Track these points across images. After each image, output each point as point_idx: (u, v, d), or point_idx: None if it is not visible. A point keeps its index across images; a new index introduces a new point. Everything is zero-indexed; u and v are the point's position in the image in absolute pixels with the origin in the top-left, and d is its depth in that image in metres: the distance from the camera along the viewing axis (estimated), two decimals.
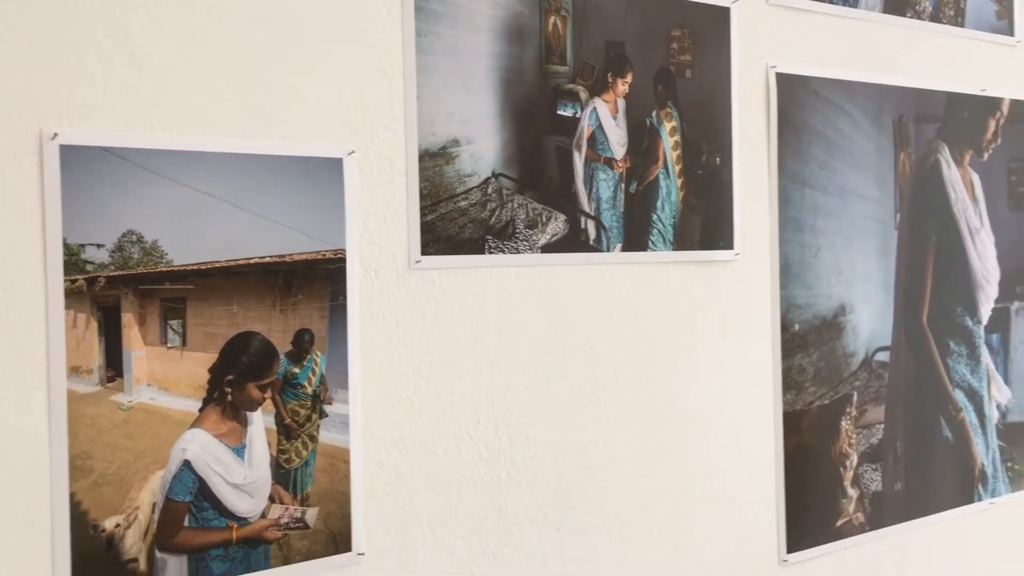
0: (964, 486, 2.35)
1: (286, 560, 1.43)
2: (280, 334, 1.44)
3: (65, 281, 1.27)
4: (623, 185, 1.79)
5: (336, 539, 1.48)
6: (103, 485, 1.29)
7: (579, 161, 1.74)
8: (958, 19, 2.34)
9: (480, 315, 1.64)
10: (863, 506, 2.14)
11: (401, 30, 1.54)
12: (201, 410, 1.37)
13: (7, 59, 1.25)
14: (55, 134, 1.26)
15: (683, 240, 1.87)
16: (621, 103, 1.79)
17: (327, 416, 1.48)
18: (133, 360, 1.33)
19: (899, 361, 2.22)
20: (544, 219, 1.70)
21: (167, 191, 1.34)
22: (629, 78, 1.79)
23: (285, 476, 1.44)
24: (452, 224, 1.59)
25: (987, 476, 2.40)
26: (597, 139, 1.76)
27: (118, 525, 1.30)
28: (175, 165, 1.34)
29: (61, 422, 1.27)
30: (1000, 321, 2.44)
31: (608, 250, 1.77)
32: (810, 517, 2.05)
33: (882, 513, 2.18)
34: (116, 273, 1.31)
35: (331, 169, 1.48)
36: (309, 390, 1.47)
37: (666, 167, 1.85)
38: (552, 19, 1.71)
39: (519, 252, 1.66)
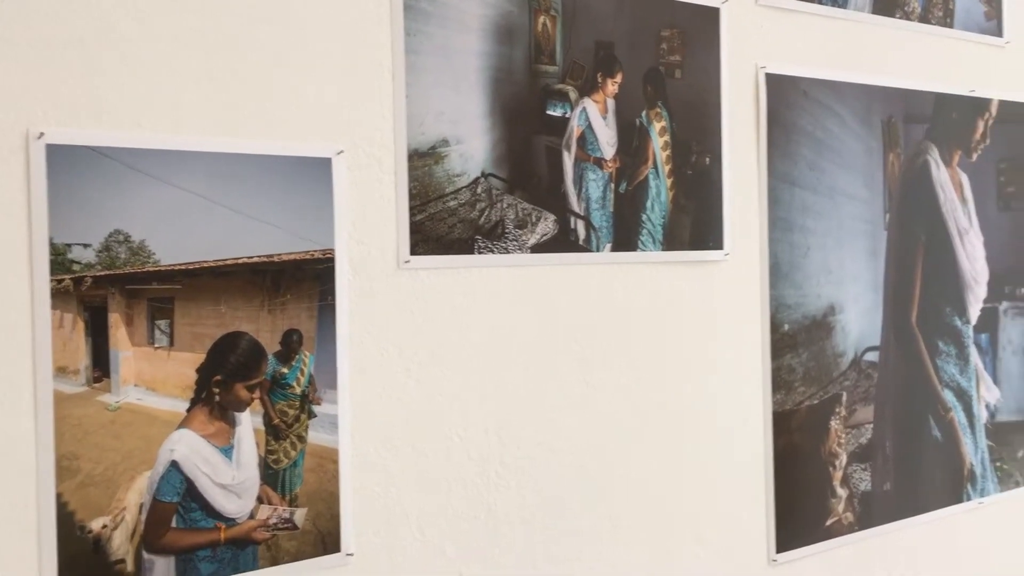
0: (953, 486, 2.36)
1: (274, 561, 1.43)
2: (268, 334, 1.43)
3: (52, 281, 1.27)
4: (613, 185, 1.79)
5: (325, 540, 1.48)
6: (90, 486, 1.29)
7: (569, 161, 1.74)
8: (947, 20, 2.35)
9: (469, 315, 1.63)
10: (852, 506, 2.15)
11: (390, 29, 1.54)
12: (189, 410, 1.37)
13: None
14: (41, 133, 1.26)
15: (673, 240, 1.87)
16: (611, 103, 1.79)
17: (316, 416, 1.48)
18: (120, 360, 1.32)
19: (888, 361, 2.23)
20: (534, 219, 1.70)
21: (155, 191, 1.33)
22: (619, 78, 1.79)
23: (273, 477, 1.44)
24: (441, 224, 1.59)
25: (976, 476, 2.41)
26: (587, 139, 1.76)
27: (105, 526, 1.30)
28: (163, 165, 1.34)
29: (47, 423, 1.26)
30: (989, 321, 2.44)
31: (598, 250, 1.77)
32: (799, 517, 2.06)
33: (871, 513, 2.18)
34: (103, 273, 1.30)
35: (320, 169, 1.48)
36: (297, 390, 1.46)
37: (656, 167, 1.85)
38: (542, 19, 1.71)
39: (508, 252, 1.66)
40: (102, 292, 1.30)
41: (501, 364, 1.67)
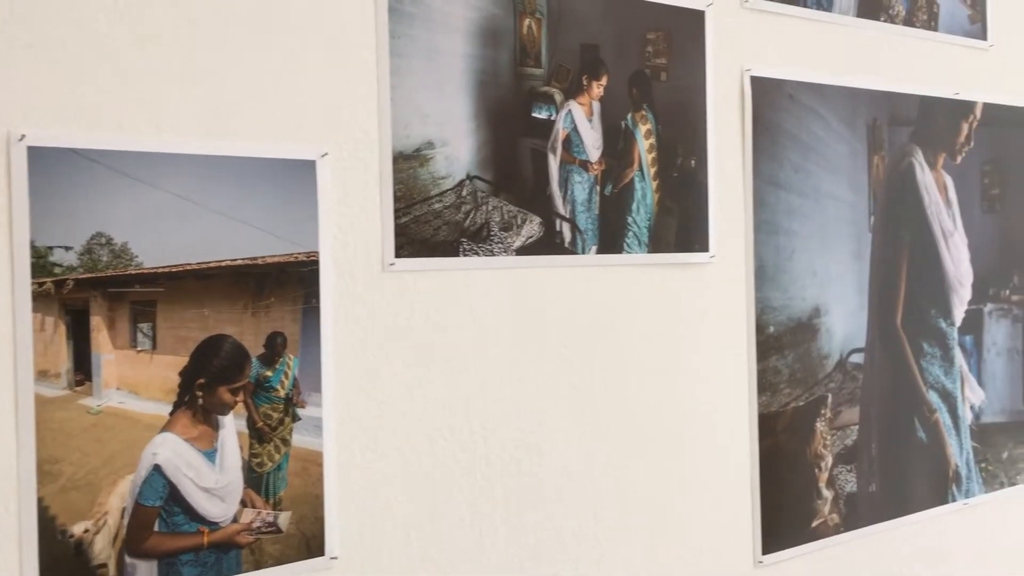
0: (938, 487, 2.37)
1: (258, 565, 1.42)
2: (252, 337, 1.43)
3: (33, 284, 1.26)
4: (598, 187, 1.80)
5: (309, 543, 1.47)
6: (72, 490, 1.28)
7: (554, 163, 1.74)
8: (931, 23, 2.36)
9: (454, 318, 1.63)
10: (838, 507, 2.15)
11: (375, 32, 1.54)
12: (171, 414, 1.36)
13: None
14: (22, 135, 1.25)
15: (658, 242, 1.87)
16: (596, 106, 1.79)
17: (300, 419, 1.47)
18: (102, 364, 1.31)
19: (873, 363, 2.24)
20: (519, 221, 1.70)
21: (137, 193, 1.33)
22: (604, 81, 1.79)
23: (257, 480, 1.43)
24: (426, 226, 1.59)
25: (961, 477, 2.42)
26: (572, 141, 1.76)
27: (87, 530, 1.29)
28: (145, 167, 1.33)
29: (28, 426, 1.26)
30: (973, 323, 2.46)
31: (583, 252, 1.77)
32: (785, 518, 2.06)
33: (857, 514, 2.19)
34: (85, 276, 1.29)
35: (304, 171, 1.47)
36: (282, 393, 1.46)
37: (641, 170, 1.85)
38: (527, 21, 1.71)
39: (494, 255, 1.66)
40: (84, 295, 1.30)
41: (486, 366, 1.67)
